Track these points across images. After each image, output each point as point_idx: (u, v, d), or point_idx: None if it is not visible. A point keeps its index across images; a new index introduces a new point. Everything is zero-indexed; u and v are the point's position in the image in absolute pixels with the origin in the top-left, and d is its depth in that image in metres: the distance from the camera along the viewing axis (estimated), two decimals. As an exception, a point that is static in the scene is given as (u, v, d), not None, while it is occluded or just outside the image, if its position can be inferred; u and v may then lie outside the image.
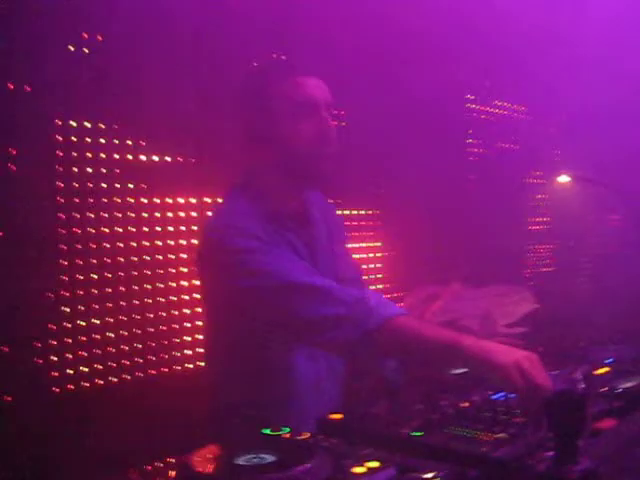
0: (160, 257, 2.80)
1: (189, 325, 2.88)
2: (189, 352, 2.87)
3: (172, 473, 1.27)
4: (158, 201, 2.81)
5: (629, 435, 1.46)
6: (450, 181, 3.58)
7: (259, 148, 2.03)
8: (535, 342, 2.12)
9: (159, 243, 2.80)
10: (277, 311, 1.85)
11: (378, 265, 3.63)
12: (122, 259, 2.68)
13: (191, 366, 2.87)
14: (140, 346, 2.73)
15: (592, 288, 2.76)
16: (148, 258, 2.75)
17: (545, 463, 1.07)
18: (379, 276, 3.62)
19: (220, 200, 2.27)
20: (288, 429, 1.44)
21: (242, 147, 2.09)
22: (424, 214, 3.54)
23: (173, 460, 1.32)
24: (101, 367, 2.61)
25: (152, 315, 2.78)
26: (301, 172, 2.00)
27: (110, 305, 2.64)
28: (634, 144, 2.99)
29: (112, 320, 2.64)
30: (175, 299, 2.85)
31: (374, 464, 1.23)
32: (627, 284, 2.58)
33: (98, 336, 2.59)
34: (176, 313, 2.85)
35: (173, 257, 2.84)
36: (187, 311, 2.88)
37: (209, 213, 2.68)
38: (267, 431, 1.43)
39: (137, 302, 2.71)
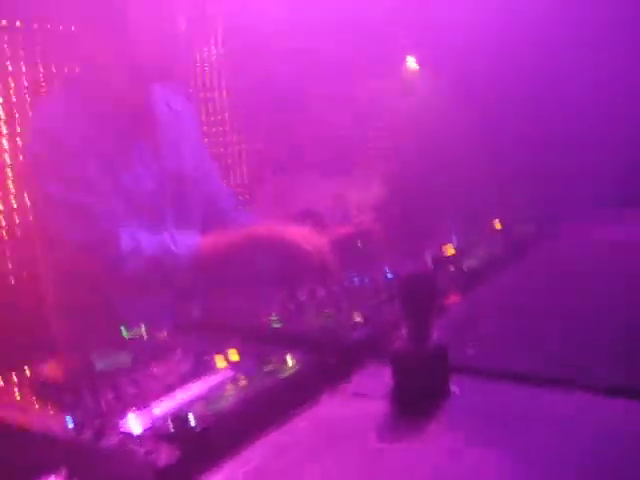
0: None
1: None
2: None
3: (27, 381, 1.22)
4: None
5: (473, 309, 1.56)
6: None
7: (99, 34, 1.85)
8: (386, 226, 2.20)
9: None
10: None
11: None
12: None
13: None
14: None
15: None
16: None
17: (400, 342, 1.12)
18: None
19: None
20: (144, 329, 1.41)
21: (80, 32, 1.94)
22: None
23: (27, 369, 1.27)
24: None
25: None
26: (146, 65, 1.87)
27: None
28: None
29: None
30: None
31: (234, 356, 1.24)
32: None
33: None
34: None
35: None
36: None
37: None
38: (123, 333, 1.40)
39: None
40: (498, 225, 2.11)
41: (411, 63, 1.87)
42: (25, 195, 2.40)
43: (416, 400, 1.10)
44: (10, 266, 2.51)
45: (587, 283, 1.63)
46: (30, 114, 1.96)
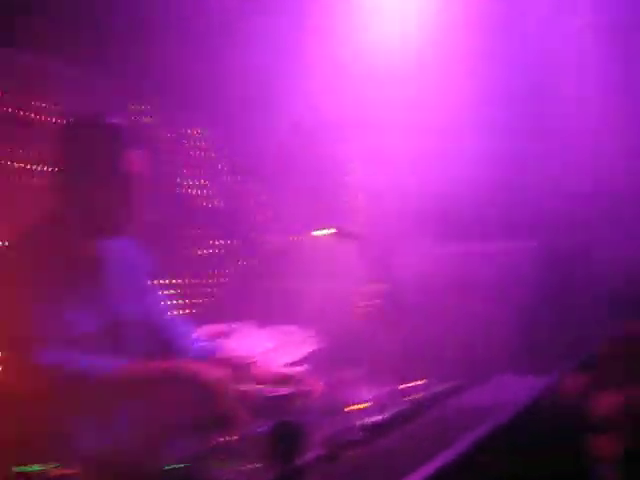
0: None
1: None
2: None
3: None
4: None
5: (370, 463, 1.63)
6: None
7: (63, 189, 2.10)
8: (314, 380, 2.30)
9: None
10: None
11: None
12: None
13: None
14: None
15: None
16: None
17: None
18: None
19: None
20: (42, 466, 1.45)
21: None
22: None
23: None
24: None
25: None
26: (100, 223, 2.11)
27: None
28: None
29: None
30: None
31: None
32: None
33: None
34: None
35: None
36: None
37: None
38: (22, 468, 1.44)
39: None
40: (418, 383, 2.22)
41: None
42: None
43: None
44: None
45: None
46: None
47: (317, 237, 2.10)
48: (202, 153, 3.81)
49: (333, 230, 2.10)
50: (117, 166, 2.09)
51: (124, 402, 1.95)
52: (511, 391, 2.23)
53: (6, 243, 2.32)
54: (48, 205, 2.21)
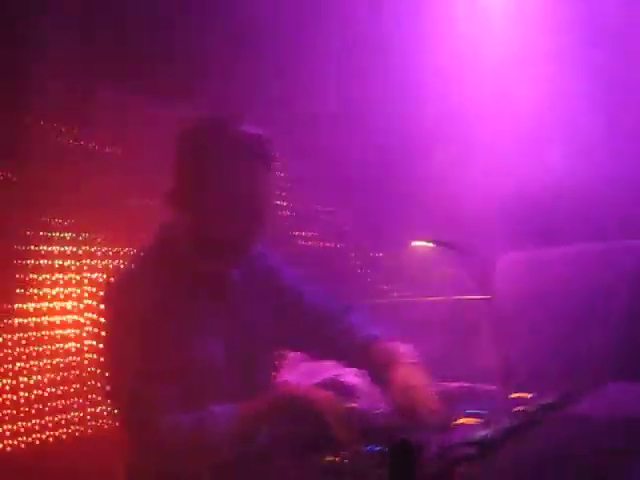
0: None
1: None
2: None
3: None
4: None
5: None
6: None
7: (182, 211, 1.97)
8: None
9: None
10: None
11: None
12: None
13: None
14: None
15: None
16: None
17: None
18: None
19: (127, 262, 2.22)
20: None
21: (164, 204, 2.01)
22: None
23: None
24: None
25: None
26: (218, 247, 1.96)
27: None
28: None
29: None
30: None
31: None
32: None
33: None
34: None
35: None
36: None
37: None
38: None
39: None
40: (525, 395, 2.14)
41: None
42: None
43: None
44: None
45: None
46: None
47: (416, 249, 2.04)
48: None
49: (431, 241, 2.02)
50: (253, 188, 1.92)
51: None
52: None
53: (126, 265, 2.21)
54: (161, 230, 2.10)
